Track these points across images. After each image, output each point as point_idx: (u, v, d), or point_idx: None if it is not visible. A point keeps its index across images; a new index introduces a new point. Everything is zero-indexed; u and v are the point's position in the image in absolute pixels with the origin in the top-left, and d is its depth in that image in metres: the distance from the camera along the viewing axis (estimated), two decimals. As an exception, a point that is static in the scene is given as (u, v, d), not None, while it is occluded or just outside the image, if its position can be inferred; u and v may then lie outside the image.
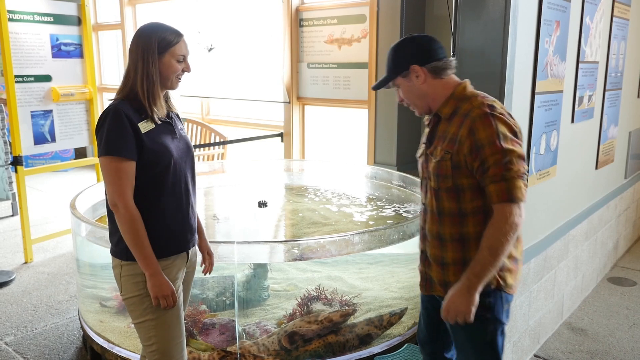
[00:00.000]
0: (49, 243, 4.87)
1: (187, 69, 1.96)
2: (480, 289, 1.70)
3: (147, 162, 1.86)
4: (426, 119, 1.94)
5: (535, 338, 3.22)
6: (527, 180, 1.71)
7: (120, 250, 1.93)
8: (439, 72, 1.82)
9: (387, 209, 3.70)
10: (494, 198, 1.67)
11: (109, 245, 2.60)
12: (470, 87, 1.84)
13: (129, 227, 1.84)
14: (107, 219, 1.99)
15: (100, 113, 1.97)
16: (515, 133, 1.72)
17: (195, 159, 2.12)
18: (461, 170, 1.73)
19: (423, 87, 1.82)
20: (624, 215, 4.71)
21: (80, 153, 7.96)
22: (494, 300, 1.80)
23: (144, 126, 1.86)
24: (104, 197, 1.94)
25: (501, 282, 1.79)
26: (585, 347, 3.29)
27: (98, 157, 1.88)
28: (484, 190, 1.72)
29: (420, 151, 1.96)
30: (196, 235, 2.09)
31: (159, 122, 1.91)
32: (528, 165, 1.75)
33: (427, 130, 1.92)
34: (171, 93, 2.02)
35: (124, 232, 1.85)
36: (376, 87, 1.92)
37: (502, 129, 1.68)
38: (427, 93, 1.83)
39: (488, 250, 1.67)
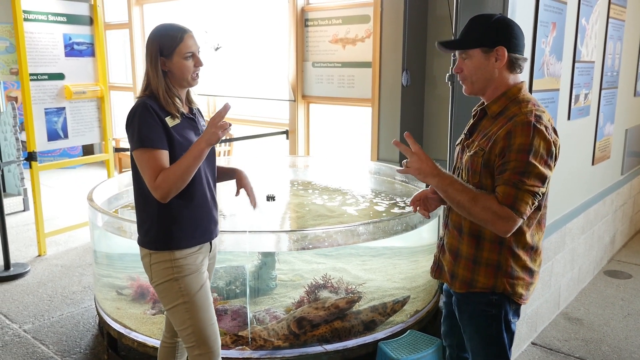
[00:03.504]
0: (61, 237, 5.02)
1: (198, 63, 1.98)
2: (436, 185, 1.73)
3: (175, 156, 1.92)
4: (474, 109, 1.90)
5: (533, 326, 3.35)
6: (537, 203, 1.70)
7: (149, 241, 1.99)
8: (515, 66, 1.77)
9: (388, 202, 3.83)
10: (499, 197, 1.67)
11: (126, 235, 2.72)
12: (525, 91, 1.79)
13: (173, 180, 1.86)
14: (135, 211, 2.05)
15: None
16: (551, 152, 1.68)
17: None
18: (489, 170, 1.72)
19: (494, 72, 1.76)
20: (620, 211, 4.83)
21: (87, 151, 8.11)
22: (499, 299, 1.82)
23: (170, 121, 1.93)
24: (131, 189, 2.00)
25: (509, 289, 1.79)
26: (581, 336, 3.42)
27: (131, 152, 1.93)
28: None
29: (459, 140, 1.94)
30: (218, 227, 2.16)
31: (183, 118, 1.99)
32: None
33: (471, 121, 1.89)
34: (191, 89, 2.09)
35: (177, 180, 1.87)
36: (448, 46, 1.84)
37: (537, 143, 1.64)
38: (494, 79, 1.77)
39: (472, 201, 1.68)
